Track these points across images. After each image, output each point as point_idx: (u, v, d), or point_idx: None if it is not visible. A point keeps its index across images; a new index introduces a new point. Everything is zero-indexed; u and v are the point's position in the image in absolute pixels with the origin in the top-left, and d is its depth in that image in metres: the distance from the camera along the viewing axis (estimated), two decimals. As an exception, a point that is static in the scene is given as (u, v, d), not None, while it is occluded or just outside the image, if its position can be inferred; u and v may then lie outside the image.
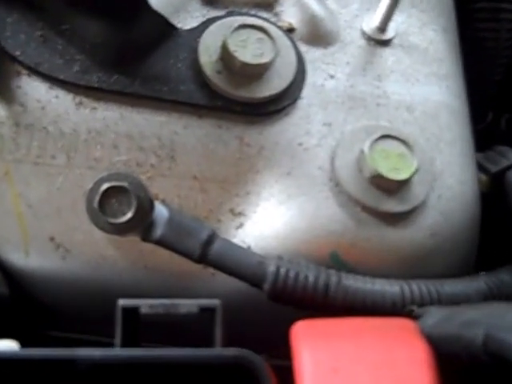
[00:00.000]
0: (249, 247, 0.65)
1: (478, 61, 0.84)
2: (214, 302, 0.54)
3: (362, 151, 0.65)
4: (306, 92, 0.70)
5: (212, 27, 0.70)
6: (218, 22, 0.70)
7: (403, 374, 0.50)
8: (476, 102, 0.84)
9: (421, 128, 0.70)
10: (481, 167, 0.74)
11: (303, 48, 0.73)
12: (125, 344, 0.52)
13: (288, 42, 0.71)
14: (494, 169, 0.73)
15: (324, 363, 0.51)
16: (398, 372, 0.50)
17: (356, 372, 0.50)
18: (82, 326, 0.68)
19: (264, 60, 0.67)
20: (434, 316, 0.58)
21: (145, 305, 0.54)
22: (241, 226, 0.66)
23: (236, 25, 0.68)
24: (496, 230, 0.74)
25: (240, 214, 0.66)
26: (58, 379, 0.49)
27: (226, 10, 0.74)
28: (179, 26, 0.72)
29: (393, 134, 0.67)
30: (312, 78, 0.71)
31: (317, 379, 0.50)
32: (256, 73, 0.67)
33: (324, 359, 0.52)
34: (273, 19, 0.75)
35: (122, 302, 0.53)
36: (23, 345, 0.57)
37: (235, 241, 0.65)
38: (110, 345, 0.52)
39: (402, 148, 0.66)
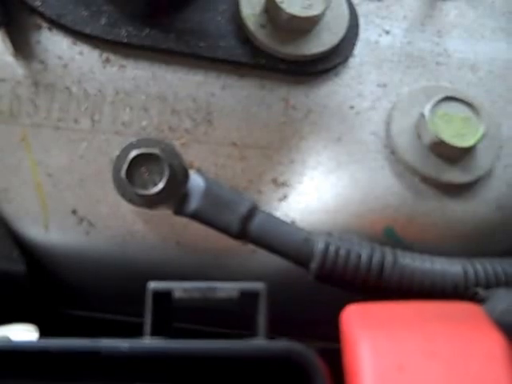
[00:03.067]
0: (293, 222, 0.58)
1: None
2: (258, 285, 0.47)
3: (421, 115, 0.58)
4: (359, 49, 0.64)
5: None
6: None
7: (480, 372, 0.43)
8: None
9: (486, 89, 0.63)
10: None
11: (356, 0, 0.65)
12: (156, 332, 0.46)
13: (339, -6, 0.63)
14: None
15: (388, 359, 0.43)
16: (473, 370, 0.42)
17: (425, 371, 0.43)
18: (107, 306, 0.63)
19: (313, 12, 0.60)
20: (502, 300, 0.51)
21: (178, 288, 0.47)
22: (284, 197, 0.59)
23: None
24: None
25: (283, 184, 0.59)
26: (80, 370, 0.43)
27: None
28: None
29: (457, 95, 0.59)
30: (365, 33, 0.64)
31: (381, 379, 0.42)
32: (304, 27, 0.60)
33: (387, 354, 0.45)
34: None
35: (152, 284, 0.47)
36: (43, 327, 0.51)
37: (278, 214, 0.58)
38: (138, 326, 0.45)
39: (466, 111, 0.59)
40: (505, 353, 0.44)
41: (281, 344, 0.42)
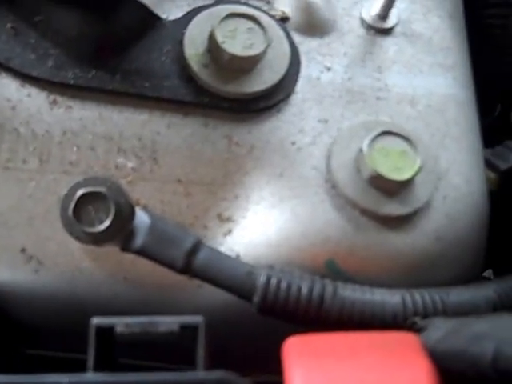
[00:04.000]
0: (238, 256, 0.60)
1: (484, 50, 0.77)
2: (197, 318, 0.49)
3: (360, 150, 0.60)
4: (301, 86, 0.65)
5: (198, 17, 0.65)
6: (205, 12, 0.65)
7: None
8: (483, 93, 0.78)
9: (425, 123, 0.65)
10: (489, 164, 0.69)
11: (298, 38, 0.68)
12: (98, 366, 0.47)
13: (281, 32, 0.66)
14: (503, 166, 0.68)
15: (317, 385, 0.45)
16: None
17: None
18: (56, 344, 0.63)
19: (254, 52, 0.62)
20: (438, 329, 0.53)
21: (121, 323, 0.49)
22: (229, 232, 0.60)
23: (224, 14, 0.63)
24: (506, 230, 0.68)
25: (228, 219, 0.60)
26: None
27: (215, -1, 0.68)
28: (164, 16, 0.66)
29: (394, 130, 0.61)
30: (307, 70, 0.66)
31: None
32: (246, 66, 0.62)
33: (317, 381, 0.46)
34: (265, 7, 0.70)
35: (95, 320, 0.48)
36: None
37: (223, 249, 0.59)
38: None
39: (403, 145, 0.61)
40: (431, 381, 0.46)
41: (215, 375, 0.44)
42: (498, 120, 0.88)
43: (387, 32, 0.70)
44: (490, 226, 0.66)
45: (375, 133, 0.61)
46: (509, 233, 0.69)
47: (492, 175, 0.69)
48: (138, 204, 0.60)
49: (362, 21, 0.70)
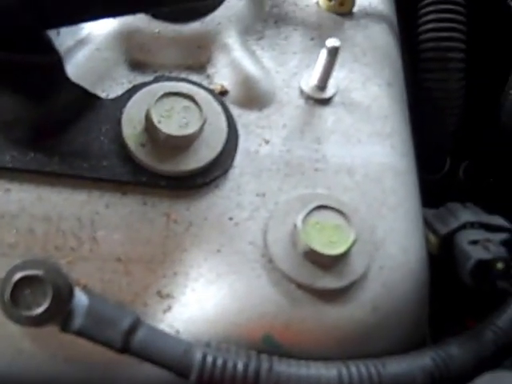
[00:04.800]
0: (177, 332, 0.61)
1: (428, 112, 0.79)
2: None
3: (295, 225, 0.61)
4: (239, 160, 0.66)
5: (137, 96, 0.66)
6: (143, 90, 0.66)
7: None
8: (432, 151, 0.80)
9: (362, 193, 0.66)
10: (430, 227, 0.70)
11: (236, 111, 0.69)
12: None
13: (218, 108, 0.67)
14: (443, 230, 0.69)
15: None
16: None
17: None
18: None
19: (190, 131, 0.63)
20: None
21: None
22: (169, 309, 0.62)
23: (161, 93, 0.64)
24: (448, 292, 0.70)
25: (168, 296, 0.62)
26: None
27: (155, 75, 0.69)
28: (104, 94, 0.68)
29: (329, 203, 0.63)
30: (245, 144, 0.67)
31: None
32: (182, 144, 0.64)
33: None
34: (205, 82, 0.71)
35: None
36: None
37: (163, 325, 0.60)
38: None
39: (338, 219, 0.62)
40: None
41: None
42: (448, 175, 0.89)
43: (326, 102, 0.71)
44: (434, 290, 0.67)
45: (310, 207, 0.62)
46: (450, 295, 0.70)
47: (433, 239, 0.70)
48: (78, 284, 0.61)
49: (301, 91, 0.72)
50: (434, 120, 0.80)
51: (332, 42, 0.67)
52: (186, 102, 0.64)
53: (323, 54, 0.68)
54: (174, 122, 0.63)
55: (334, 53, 0.67)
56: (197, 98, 0.65)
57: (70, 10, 0.57)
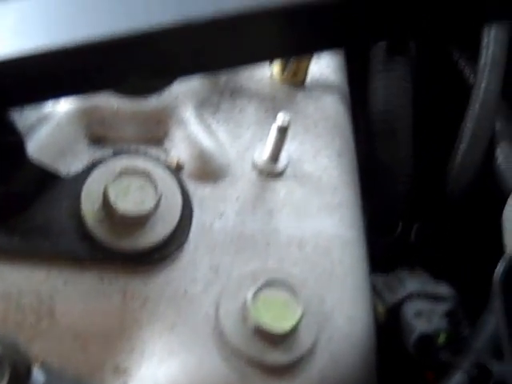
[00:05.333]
0: (133, 407, 0.63)
1: (379, 179, 0.83)
2: None
3: (245, 300, 0.64)
4: (194, 234, 0.69)
5: (95, 173, 0.69)
6: (102, 166, 0.69)
7: None
8: (384, 215, 0.83)
9: (311, 265, 0.69)
10: (379, 295, 0.73)
11: (192, 186, 0.72)
12: None
13: (174, 184, 0.70)
14: (390, 299, 0.72)
15: None
16: None
17: None
18: None
19: (145, 208, 0.66)
20: None
21: None
22: (125, 384, 0.64)
23: (118, 170, 0.67)
24: (395, 362, 0.73)
25: (124, 371, 0.64)
26: None
27: (114, 149, 0.72)
28: (65, 169, 0.70)
29: (279, 277, 0.66)
30: (200, 218, 0.70)
31: None
32: (138, 222, 0.66)
33: None
34: (162, 155, 0.73)
35: None
36: None
37: (120, 400, 0.62)
38: None
39: (286, 294, 0.65)
40: None
41: None
42: (400, 238, 0.92)
43: (278, 175, 0.75)
44: (382, 358, 0.70)
45: (260, 283, 0.65)
46: (398, 364, 0.73)
47: (381, 308, 0.73)
48: (36, 360, 0.63)
49: (254, 165, 0.74)
50: (385, 187, 0.83)
51: (282, 118, 0.70)
52: (142, 179, 0.67)
53: (274, 130, 0.71)
54: (130, 199, 0.66)
55: (283, 130, 0.70)
56: (152, 174, 0.67)
57: (32, 91, 0.59)
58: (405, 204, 0.87)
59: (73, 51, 0.51)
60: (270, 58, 0.66)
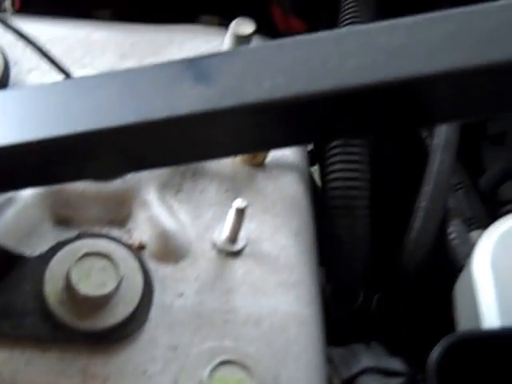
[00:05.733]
0: None
1: (336, 255, 0.86)
2: None
3: (200, 380, 0.66)
4: (154, 314, 0.72)
5: (58, 255, 0.72)
6: (66, 248, 0.72)
7: None
8: (343, 288, 0.86)
9: (267, 343, 0.72)
10: (335, 369, 0.75)
11: (153, 265, 0.74)
12: None
13: (135, 264, 0.72)
14: (345, 374, 0.75)
15: None
16: None
17: None
18: None
19: (106, 290, 0.68)
20: None
21: None
22: None
23: (81, 253, 0.69)
24: None
25: None
26: None
27: (78, 230, 0.75)
28: (30, 250, 0.73)
29: (234, 357, 0.68)
30: (161, 297, 0.73)
31: None
32: (99, 303, 0.68)
33: None
34: (125, 236, 0.76)
35: None
36: None
37: None
38: None
39: (241, 373, 0.67)
40: None
41: None
42: (362, 306, 0.95)
43: (236, 254, 0.77)
44: None
45: (215, 363, 0.67)
46: None
47: (336, 381, 0.76)
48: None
49: (214, 244, 0.77)
50: (342, 263, 0.86)
51: (239, 202, 0.73)
52: (104, 261, 0.70)
53: (232, 213, 0.74)
54: (92, 281, 0.69)
55: (241, 213, 0.73)
56: (114, 256, 0.70)
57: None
58: (362, 278, 0.89)
59: (36, 147, 0.54)
60: (230, 154, 0.70)
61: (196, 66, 0.55)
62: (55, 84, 0.60)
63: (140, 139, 0.56)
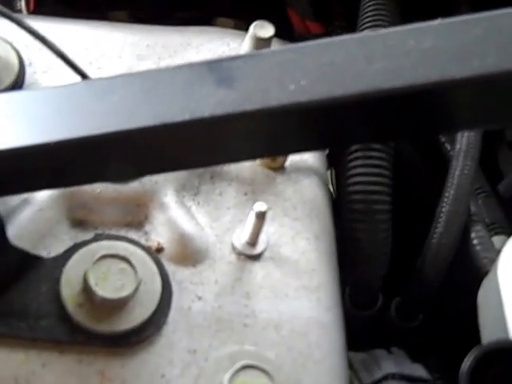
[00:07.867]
0: None
1: (356, 259, 0.84)
2: None
3: (221, 384, 0.65)
4: (172, 317, 0.71)
5: (76, 256, 0.71)
6: (83, 250, 0.71)
7: None
8: (362, 291, 0.85)
9: (288, 348, 0.71)
10: (356, 375, 0.74)
11: (171, 268, 0.73)
12: None
13: (153, 267, 0.71)
14: (366, 379, 0.74)
15: None
16: None
17: None
18: None
19: (124, 293, 0.67)
20: None
21: None
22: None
23: (98, 255, 0.68)
24: None
25: None
26: None
27: (95, 232, 0.74)
28: (46, 252, 0.72)
29: (255, 361, 0.67)
30: (179, 301, 0.72)
31: None
32: (117, 306, 0.68)
33: None
34: (142, 239, 0.75)
35: None
36: None
37: None
38: None
39: (262, 378, 0.66)
40: None
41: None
42: (381, 311, 0.94)
43: (256, 258, 0.76)
44: None
45: (236, 367, 0.66)
46: None
47: (358, 388, 0.75)
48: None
49: (233, 247, 0.76)
50: (363, 266, 0.85)
51: (259, 206, 0.72)
52: (122, 264, 0.69)
53: (252, 216, 0.73)
54: (109, 284, 0.68)
55: (261, 216, 0.72)
56: (132, 259, 0.69)
57: (15, 184, 0.62)
58: (382, 281, 0.88)
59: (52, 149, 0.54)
60: (251, 158, 0.69)
61: (218, 69, 0.54)
62: (73, 85, 0.59)
63: (160, 142, 0.55)
